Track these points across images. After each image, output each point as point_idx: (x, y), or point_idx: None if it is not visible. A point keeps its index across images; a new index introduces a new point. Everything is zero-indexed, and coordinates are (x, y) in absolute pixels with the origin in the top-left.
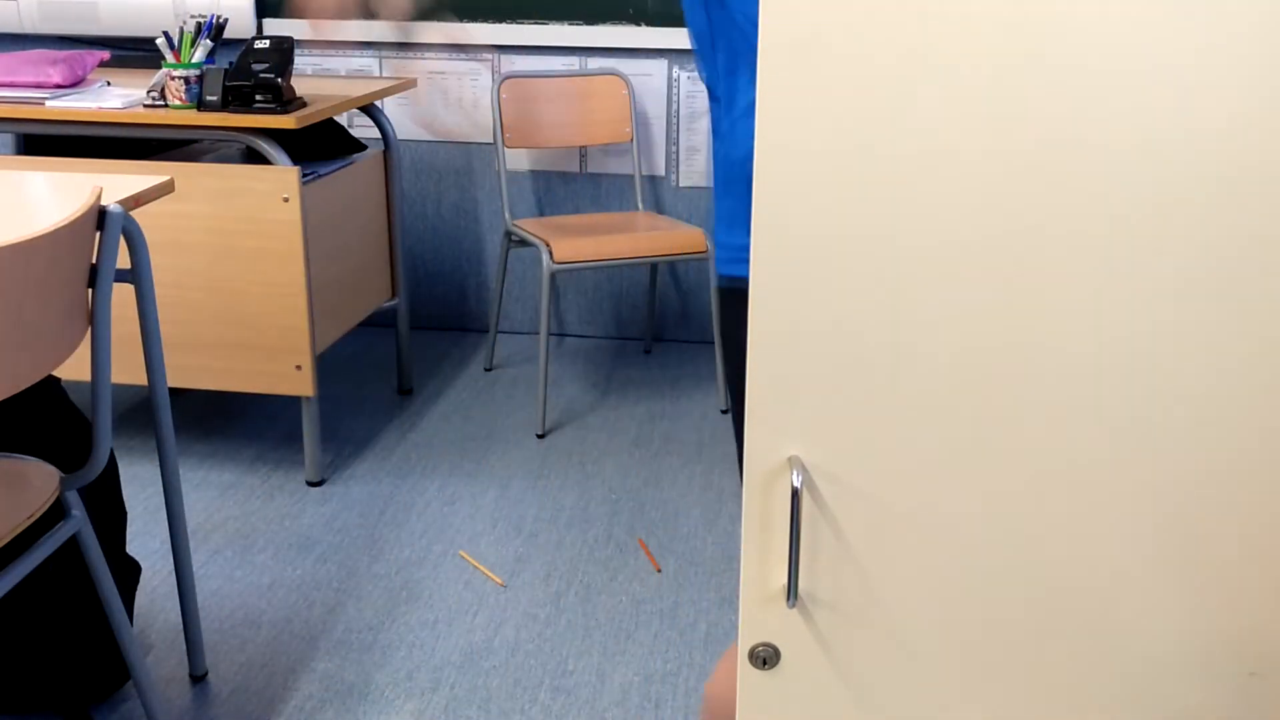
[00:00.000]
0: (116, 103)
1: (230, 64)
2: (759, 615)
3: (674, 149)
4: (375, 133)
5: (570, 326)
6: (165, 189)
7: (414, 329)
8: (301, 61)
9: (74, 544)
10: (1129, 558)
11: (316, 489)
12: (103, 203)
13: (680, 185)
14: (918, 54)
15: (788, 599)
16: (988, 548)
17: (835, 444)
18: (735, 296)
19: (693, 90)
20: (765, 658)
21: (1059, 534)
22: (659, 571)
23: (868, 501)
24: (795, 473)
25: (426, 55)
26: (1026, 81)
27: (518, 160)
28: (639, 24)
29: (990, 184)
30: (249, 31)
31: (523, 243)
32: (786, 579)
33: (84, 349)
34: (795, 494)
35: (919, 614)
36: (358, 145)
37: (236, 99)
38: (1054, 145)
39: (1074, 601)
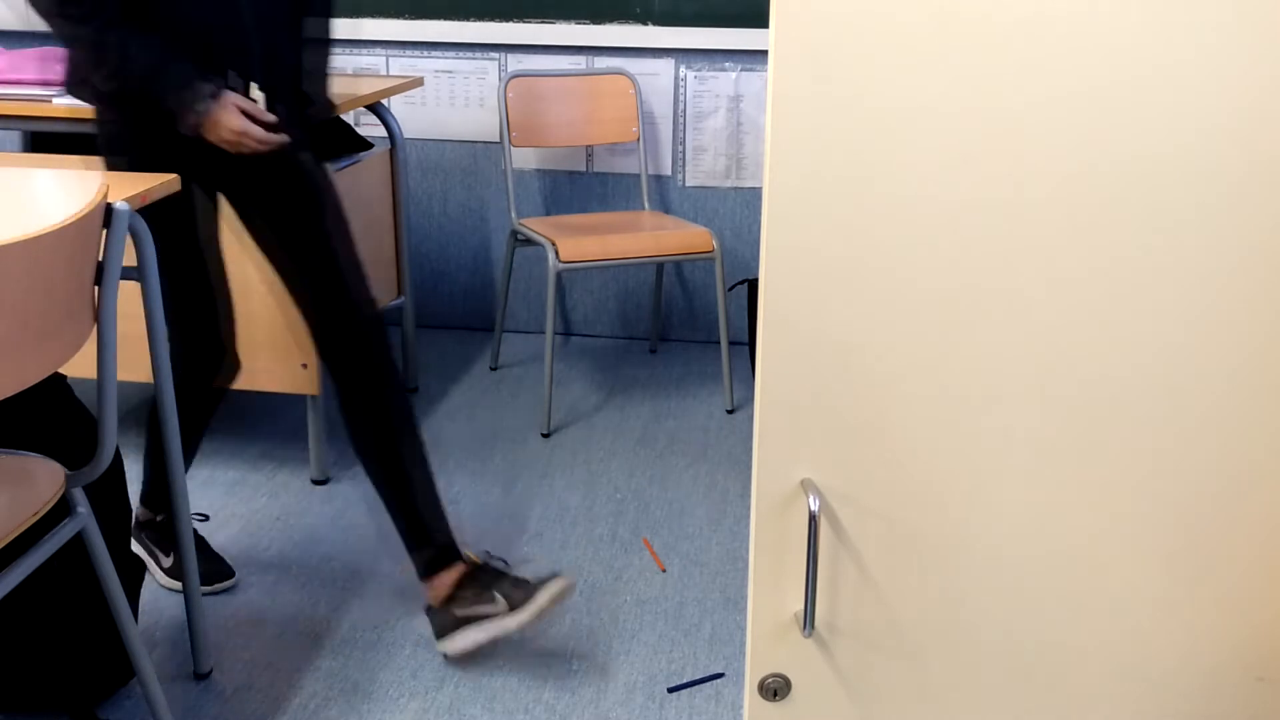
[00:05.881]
0: None
1: None
2: (769, 646)
3: (680, 148)
4: (382, 131)
5: (576, 326)
6: (171, 187)
7: (419, 328)
8: None
9: (79, 541)
10: (1141, 570)
11: (321, 487)
12: (109, 200)
13: (687, 185)
14: (926, 76)
15: (804, 628)
16: (1006, 566)
17: (849, 466)
18: None
19: (699, 90)
20: (776, 689)
21: (1074, 546)
22: (664, 571)
23: (885, 524)
24: (811, 496)
25: (433, 54)
26: (1041, 98)
27: (524, 159)
28: (646, 23)
29: (997, 205)
30: None
31: (529, 242)
32: (803, 607)
33: (90, 346)
34: (813, 519)
35: (937, 638)
36: (364, 144)
37: None
38: (1065, 164)
39: (1088, 613)
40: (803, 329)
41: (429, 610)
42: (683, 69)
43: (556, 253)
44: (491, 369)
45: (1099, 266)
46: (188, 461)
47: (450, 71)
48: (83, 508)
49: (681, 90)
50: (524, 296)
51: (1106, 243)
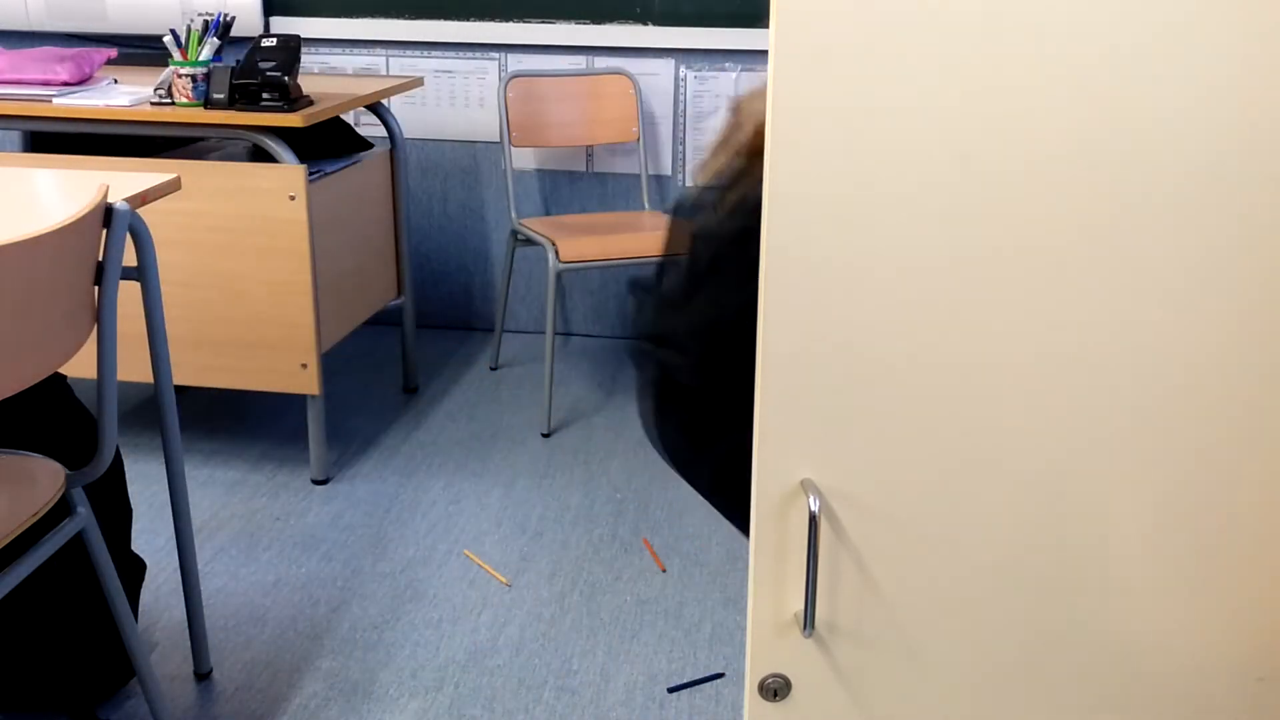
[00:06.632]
0: (123, 100)
1: (237, 62)
2: (769, 646)
3: (680, 148)
4: (382, 131)
5: (576, 326)
6: (172, 187)
7: (419, 328)
8: (308, 60)
9: (79, 541)
10: (1141, 569)
11: (321, 487)
12: (109, 200)
13: (687, 185)
14: (926, 77)
15: (804, 628)
16: (1007, 566)
17: (849, 465)
18: None
19: (699, 90)
20: (776, 689)
21: (1074, 547)
22: (664, 571)
23: (885, 524)
24: (812, 497)
25: (433, 54)
26: (1037, 102)
27: (524, 159)
28: (646, 23)
29: (996, 204)
30: (256, 30)
31: (529, 242)
32: (803, 607)
33: (90, 346)
34: (813, 519)
35: (938, 638)
36: (364, 144)
37: (243, 97)
38: (1069, 160)
39: (1088, 614)
40: (803, 329)
41: None
42: (683, 69)
43: (556, 253)
44: (491, 369)
45: (1103, 263)
46: None
47: (450, 71)
48: (83, 508)
49: (681, 90)
50: (524, 296)
51: (1111, 238)
